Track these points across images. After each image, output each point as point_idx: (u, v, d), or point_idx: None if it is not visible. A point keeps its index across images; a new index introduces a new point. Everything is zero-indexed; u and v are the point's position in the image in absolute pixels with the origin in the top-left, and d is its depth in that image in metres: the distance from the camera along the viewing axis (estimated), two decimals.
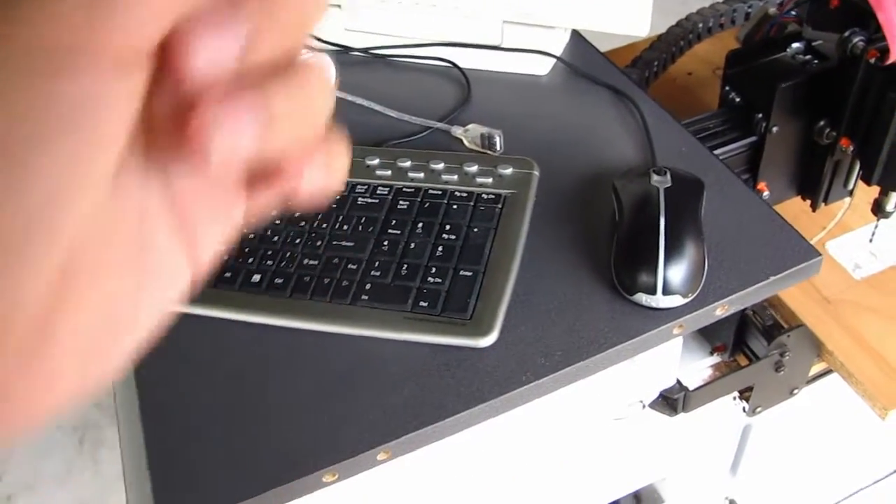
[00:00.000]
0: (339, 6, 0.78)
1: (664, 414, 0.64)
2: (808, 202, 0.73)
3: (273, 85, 0.17)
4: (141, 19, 0.15)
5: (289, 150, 0.18)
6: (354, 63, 0.78)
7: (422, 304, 0.52)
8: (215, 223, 0.19)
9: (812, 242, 0.73)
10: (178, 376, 0.52)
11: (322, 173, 0.19)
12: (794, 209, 0.75)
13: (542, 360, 0.49)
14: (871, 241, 0.71)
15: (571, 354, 0.50)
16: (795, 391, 0.69)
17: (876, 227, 0.70)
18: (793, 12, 0.67)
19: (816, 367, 0.69)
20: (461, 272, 0.53)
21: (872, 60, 0.59)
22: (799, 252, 0.54)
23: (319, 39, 0.78)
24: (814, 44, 0.68)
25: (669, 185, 0.54)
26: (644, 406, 0.63)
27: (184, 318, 0.54)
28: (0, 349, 0.15)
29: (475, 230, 0.56)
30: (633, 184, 0.55)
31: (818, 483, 0.85)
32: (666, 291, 0.50)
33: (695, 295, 0.51)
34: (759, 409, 0.69)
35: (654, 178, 0.54)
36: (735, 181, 0.59)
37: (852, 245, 0.74)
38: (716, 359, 0.68)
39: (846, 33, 0.60)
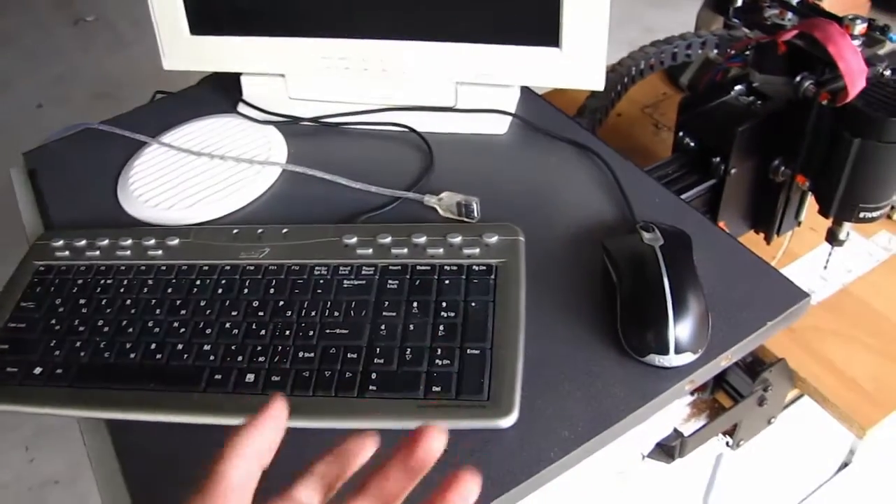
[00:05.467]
0: (282, 75, 0.75)
1: (662, 462, 0.64)
2: (762, 235, 0.76)
3: None
4: None
5: None
6: (304, 133, 0.75)
7: (434, 388, 0.50)
8: None
9: None
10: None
11: None
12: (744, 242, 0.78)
13: (567, 433, 0.49)
14: (825, 268, 0.74)
15: (594, 424, 0.49)
16: (773, 420, 0.71)
17: (830, 254, 0.73)
18: (737, 58, 0.70)
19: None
20: (468, 351, 0.52)
21: (825, 102, 0.62)
22: (789, 295, 0.56)
23: (264, 111, 0.76)
24: (754, 85, 0.71)
25: (662, 242, 0.54)
26: (643, 457, 0.63)
27: (178, 428, 0.51)
28: None
29: (473, 305, 0.54)
30: (625, 243, 0.55)
31: None
32: (678, 350, 0.50)
33: (703, 350, 0.52)
34: (741, 442, 0.70)
35: (645, 235, 0.55)
36: (713, 229, 0.61)
37: (802, 271, 0.77)
38: (693, 397, 0.69)
39: (797, 78, 0.63)
